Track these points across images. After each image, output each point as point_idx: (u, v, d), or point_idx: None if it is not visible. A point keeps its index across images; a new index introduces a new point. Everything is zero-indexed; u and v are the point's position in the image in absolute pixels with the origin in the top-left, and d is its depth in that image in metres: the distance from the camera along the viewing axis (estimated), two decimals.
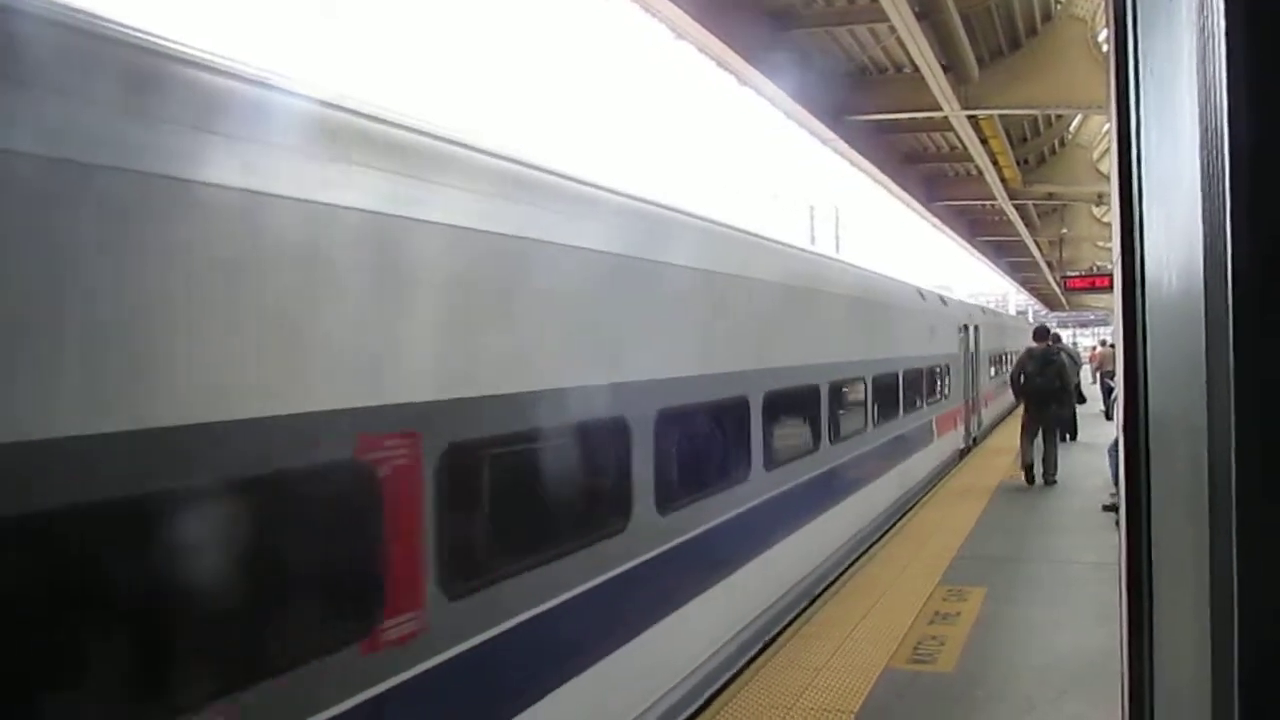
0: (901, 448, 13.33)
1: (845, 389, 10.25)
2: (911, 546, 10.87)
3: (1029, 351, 15.22)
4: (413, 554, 3.61)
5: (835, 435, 9.72)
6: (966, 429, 20.18)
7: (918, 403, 14.40)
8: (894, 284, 14.12)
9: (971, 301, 26.44)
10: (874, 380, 11.38)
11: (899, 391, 12.92)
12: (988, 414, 24.06)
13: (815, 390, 9.05)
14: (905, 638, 7.60)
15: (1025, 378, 14.87)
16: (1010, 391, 26.62)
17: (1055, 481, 14.76)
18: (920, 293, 15.59)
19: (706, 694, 6.53)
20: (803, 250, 10.38)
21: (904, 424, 13.38)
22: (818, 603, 8.75)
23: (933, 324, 15.97)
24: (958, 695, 6.46)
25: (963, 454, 19.41)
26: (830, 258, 11.29)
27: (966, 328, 19.98)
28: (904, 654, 7.24)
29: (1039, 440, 14.82)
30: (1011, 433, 22.43)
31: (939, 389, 16.48)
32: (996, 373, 27.00)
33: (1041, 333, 15.51)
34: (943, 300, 17.99)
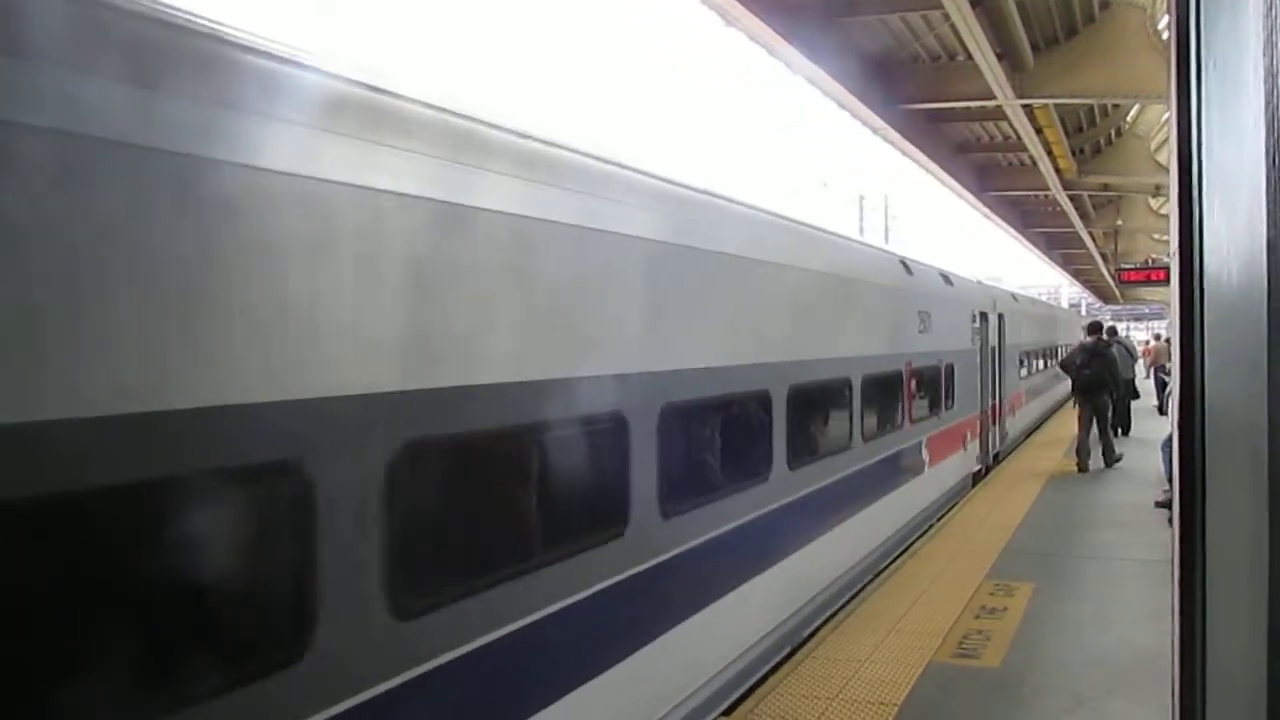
0: (861, 489, 9.08)
1: (723, 411, 6.38)
2: (957, 541, 10.77)
3: (1081, 345, 16.31)
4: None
5: (670, 506, 5.47)
6: (983, 446, 15.85)
7: (896, 419, 10.38)
8: (852, 251, 10.01)
9: (999, 285, 21.00)
10: (798, 392, 7.27)
11: (854, 406, 8.72)
12: (1018, 423, 20.25)
13: (616, 422, 5.01)
14: (950, 632, 7.54)
15: (1075, 370, 15.82)
16: (1048, 395, 24.87)
17: (1112, 463, 15.60)
18: (905, 265, 11.35)
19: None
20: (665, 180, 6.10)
21: (866, 453, 9.15)
22: (861, 595, 8.71)
23: (926, 310, 11.64)
24: (1003, 690, 6.40)
25: (979, 477, 15.40)
26: (728, 199, 6.98)
27: (984, 316, 15.70)
28: (949, 648, 7.18)
29: (1094, 430, 15.72)
30: (1052, 433, 22.13)
31: (937, 398, 12.30)
32: (1046, 367, 24.15)
33: (1094, 327, 16.82)
34: (945, 279, 13.48)
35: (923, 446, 11.62)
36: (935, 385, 12.22)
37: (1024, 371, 21.07)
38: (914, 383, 10.98)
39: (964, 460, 14.44)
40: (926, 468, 11.82)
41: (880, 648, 7.21)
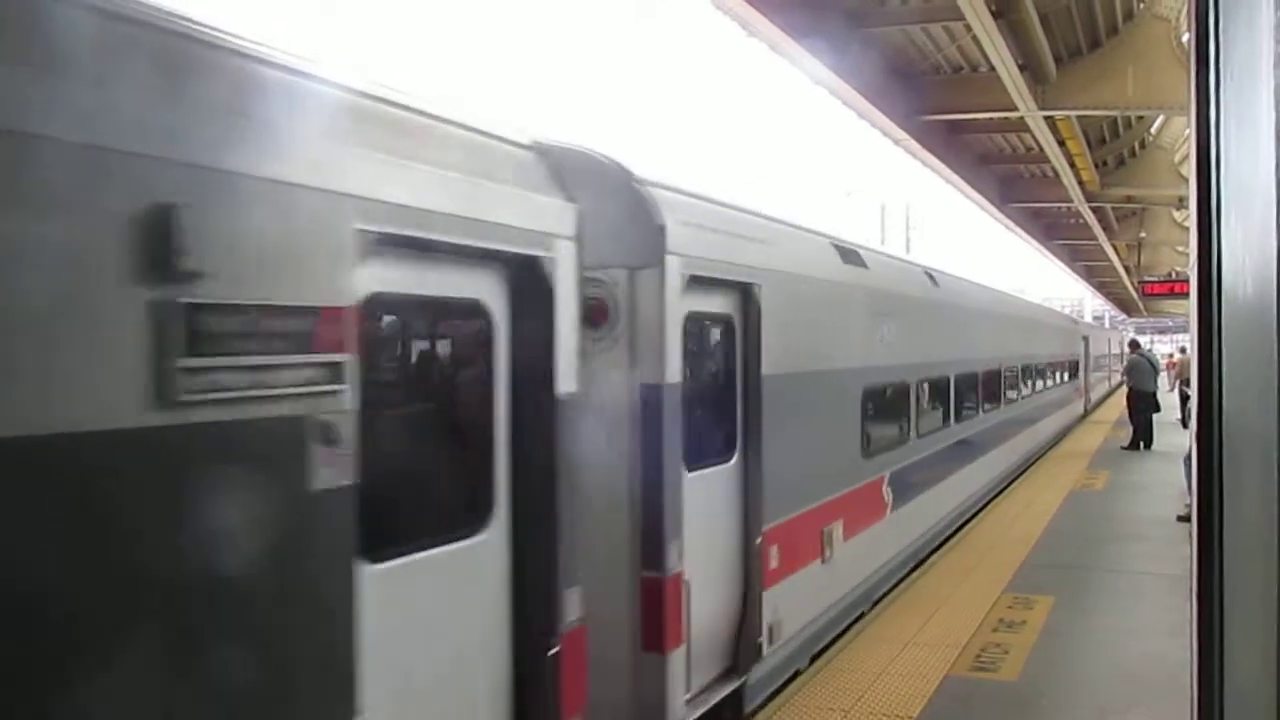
0: None
1: None
2: (976, 554, 10.71)
3: (1127, 358, 23.39)
4: None
5: None
6: None
7: None
8: None
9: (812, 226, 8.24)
10: None
11: None
12: (850, 578, 8.06)
13: None
14: (968, 645, 7.49)
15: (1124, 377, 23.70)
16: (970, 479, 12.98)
17: (1129, 447, 20.34)
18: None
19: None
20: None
21: None
22: (877, 609, 8.67)
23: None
24: (1022, 704, 6.36)
25: None
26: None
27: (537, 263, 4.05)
28: (966, 662, 7.14)
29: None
30: (1070, 447, 21.93)
31: None
32: (995, 409, 14.54)
33: (1133, 345, 23.95)
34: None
35: None
36: None
37: (878, 431, 9.08)
38: None
39: None
40: None
41: (897, 660, 7.17)
